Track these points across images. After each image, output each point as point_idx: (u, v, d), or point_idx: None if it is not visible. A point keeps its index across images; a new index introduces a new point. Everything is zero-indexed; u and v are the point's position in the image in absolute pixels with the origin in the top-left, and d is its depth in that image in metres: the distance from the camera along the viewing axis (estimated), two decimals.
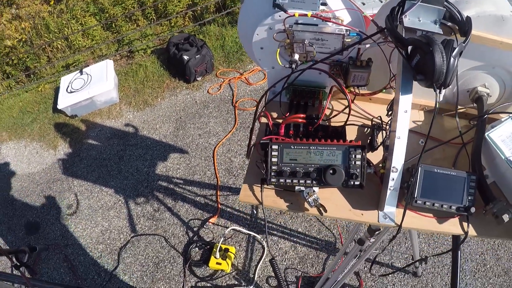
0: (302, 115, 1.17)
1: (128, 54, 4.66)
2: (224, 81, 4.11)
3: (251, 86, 3.95)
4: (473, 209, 1.04)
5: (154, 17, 4.80)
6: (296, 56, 1.15)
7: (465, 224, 1.08)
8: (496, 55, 1.15)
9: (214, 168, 3.36)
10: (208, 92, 4.04)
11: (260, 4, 1.14)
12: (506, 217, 1.01)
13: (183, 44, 4.16)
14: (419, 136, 1.28)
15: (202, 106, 3.91)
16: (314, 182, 1.06)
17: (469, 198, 1.04)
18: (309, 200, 1.05)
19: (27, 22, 4.67)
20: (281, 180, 1.07)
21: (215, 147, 3.51)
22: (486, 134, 1.10)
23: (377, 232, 1.77)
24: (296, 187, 1.07)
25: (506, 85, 1.25)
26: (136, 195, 3.27)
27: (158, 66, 4.37)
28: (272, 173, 1.07)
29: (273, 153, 1.06)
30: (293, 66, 1.13)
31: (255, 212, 3.00)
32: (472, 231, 1.08)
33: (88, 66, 4.33)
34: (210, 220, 3.00)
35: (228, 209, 3.07)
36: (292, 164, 1.06)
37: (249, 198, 1.14)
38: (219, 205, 3.10)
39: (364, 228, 1.64)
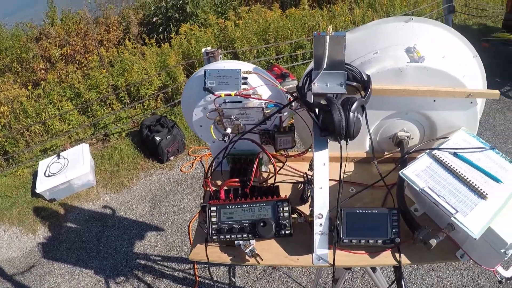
0: (236, 180, 1.32)
1: (104, 137, 4.84)
2: (195, 158, 4.31)
3: None
4: (397, 240, 1.15)
5: (128, 101, 5.06)
6: (229, 130, 1.33)
7: (397, 254, 1.18)
8: (404, 102, 1.31)
9: (190, 242, 3.42)
10: (181, 170, 4.22)
11: (195, 89, 1.34)
12: (433, 242, 1.10)
13: (155, 125, 4.38)
14: (349, 184, 1.43)
15: (176, 184, 4.07)
16: (249, 235, 1.18)
17: (394, 230, 1.15)
18: (246, 251, 1.17)
19: (6, 106, 4.76)
20: (221, 237, 1.20)
21: (190, 222, 3.61)
22: (400, 171, 1.22)
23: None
24: (235, 242, 1.20)
25: (424, 125, 1.41)
26: (116, 274, 3.28)
27: (132, 148, 4.56)
28: (213, 231, 1.20)
29: (212, 213, 1.20)
30: (226, 138, 1.31)
31: (234, 279, 3.03)
32: (405, 260, 1.17)
33: (65, 150, 4.43)
34: None
35: (206, 281, 3.10)
36: (230, 222, 1.19)
37: (198, 256, 1.25)
38: (197, 278, 3.12)
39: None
